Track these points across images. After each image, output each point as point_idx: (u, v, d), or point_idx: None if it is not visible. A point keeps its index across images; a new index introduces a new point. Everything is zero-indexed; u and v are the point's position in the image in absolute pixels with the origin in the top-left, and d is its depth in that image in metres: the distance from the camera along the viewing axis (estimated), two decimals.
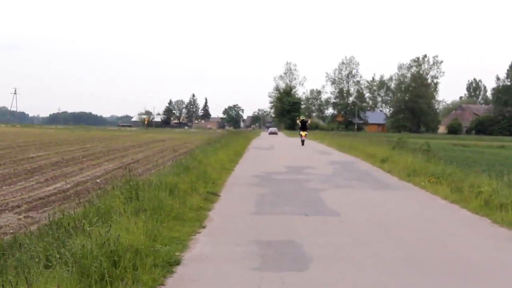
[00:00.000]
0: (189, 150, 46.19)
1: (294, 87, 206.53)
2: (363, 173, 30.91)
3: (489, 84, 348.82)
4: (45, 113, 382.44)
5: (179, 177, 20.75)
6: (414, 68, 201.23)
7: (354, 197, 21.64)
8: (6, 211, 18.88)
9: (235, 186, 24.15)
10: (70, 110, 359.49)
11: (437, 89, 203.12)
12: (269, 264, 11.33)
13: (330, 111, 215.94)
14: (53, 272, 8.64)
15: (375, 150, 42.74)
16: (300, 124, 67.49)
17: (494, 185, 19.73)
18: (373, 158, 39.35)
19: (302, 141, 64.14)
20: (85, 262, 9.25)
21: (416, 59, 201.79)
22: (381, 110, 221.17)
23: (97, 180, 26.84)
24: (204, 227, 14.98)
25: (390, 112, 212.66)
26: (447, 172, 24.90)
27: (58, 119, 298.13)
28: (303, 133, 65.00)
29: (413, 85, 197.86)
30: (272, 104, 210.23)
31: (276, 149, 58.79)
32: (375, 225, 15.81)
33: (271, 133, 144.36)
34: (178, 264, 11.15)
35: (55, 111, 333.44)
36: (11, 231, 15.37)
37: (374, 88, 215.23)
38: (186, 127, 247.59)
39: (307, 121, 71.04)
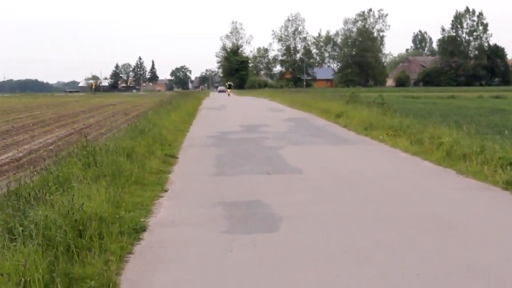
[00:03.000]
0: (140, 113, 45.75)
1: (241, 46, 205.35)
2: (319, 129, 30.82)
3: (435, 36, 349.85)
4: None
5: (135, 140, 20.37)
6: (360, 22, 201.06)
7: (313, 153, 21.49)
8: None
9: (192, 147, 23.85)
10: (16, 78, 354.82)
11: (383, 42, 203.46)
12: (238, 226, 11.08)
13: (278, 68, 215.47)
14: (17, 245, 8.24)
15: (329, 105, 42.73)
16: (228, 86, 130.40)
17: (454, 135, 19.67)
18: (327, 113, 39.27)
19: (228, 94, 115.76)
20: (50, 233, 8.87)
21: (361, 13, 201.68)
22: (328, 66, 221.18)
23: (50, 147, 26.23)
24: (166, 191, 14.66)
25: (338, 67, 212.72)
26: (405, 125, 24.85)
27: (4, 87, 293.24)
28: (229, 91, 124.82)
29: (360, 39, 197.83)
30: (219, 64, 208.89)
31: (228, 108, 58.54)
32: (339, 181, 15.65)
33: (220, 91, 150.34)
34: (144, 230, 10.84)
35: (0, 80, 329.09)
36: None
37: (321, 44, 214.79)
38: (134, 91, 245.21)
39: (231, 84, 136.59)
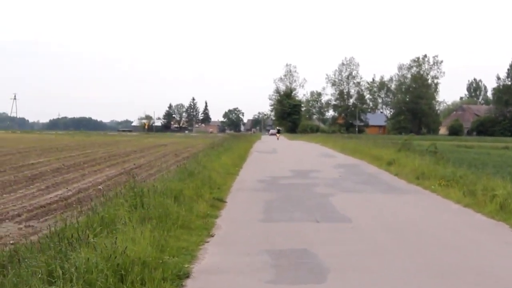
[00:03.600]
0: (191, 155, 45.77)
1: (295, 89, 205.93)
2: (370, 176, 30.40)
3: (490, 84, 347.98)
4: (45, 119, 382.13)
5: (184, 183, 20.22)
6: (414, 68, 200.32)
7: (364, 201, 21.09)
8: (7, 220, 18.32)
9: (241, 191, 23.60)
10: (70, 115, 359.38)
11: (437, 89, 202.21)
12: (284, 276, 10.75)
13: (330, 113, 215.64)
14: None
15: (380, 153, 42.27)
16: (277, 130, 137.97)
17: (509, 188, 19.15)
18: (378, 160, 38.84)
19: (277, 138, 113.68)
20: (90, 277, 8.69)
21: (416, 60, 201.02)
22: (381, 112, 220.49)
23: (99, 187, 26.26)
24: (212, 236, 14.41)
25: (391, 113, 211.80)
26: (458, 175, 24.33)
27: (58, 124, 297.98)
28: (278, 135, 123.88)
29: (414, 86, 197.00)
30: (272, 107, 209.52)
31: (279, 152, 58.27)
32: (389, 231, 15.23)
33: (271, 134, 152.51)
34: (188, 277, 10.57)
35: (55, 117, 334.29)
36: (11, 242, 14.80)
37: (375, 89, 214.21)
38: (186, 131, 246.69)
39: (280, 129, 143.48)
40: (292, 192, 23.62)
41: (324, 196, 22.23)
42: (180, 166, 26.02)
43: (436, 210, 19.31)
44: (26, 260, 9.48)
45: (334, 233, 14.96)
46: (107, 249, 9.61)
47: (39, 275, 8.56)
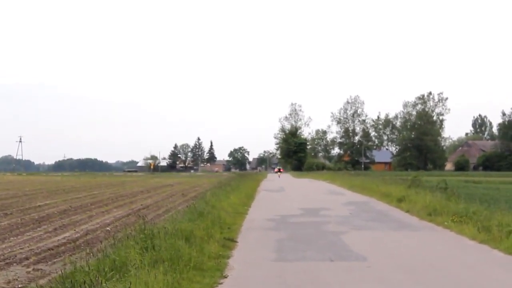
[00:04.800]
0: (198, 194, 45.53)
1: (300, 127, 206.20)
2: (381, 214, 30.08)
3: (495, 120, 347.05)
4: (50, 161, 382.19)
5: (194, 223, 19.93)
6: (420, 105, 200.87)
7: (377, 239, 20.77)
8: (14, 263, 17.98)
9: (251, 231, 23.28)
10: (76, 156, 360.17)
11: (443, 126, 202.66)
12: None
13: (336, 150, 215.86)
14: None
15: (390, 189, 41.97)
16: (278, 169, 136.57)
17: None
18: (388, 197, 38.54)
19: (279, 176, 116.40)
20: None
21: (421, 97, 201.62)
22: (387, 149, 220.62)
23: (107, 228, 25.98)
24: (226, 277, 14.08)
25: (397, 150, 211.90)
26: (471, 211, 24.04)
27: (64, 166, 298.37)
28: (279, 174, 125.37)
29: (419, 122, 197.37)
30: (278, 145, 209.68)
31: (287, 191, 57.93)
32: (406, 271, 14.87)
33: (275, 172, 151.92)
34: None
35: (61, 158, 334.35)
36: (19, 286, 14.49)
37: (380, 126, 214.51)
38: (192, 171, 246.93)
39: (280, 169, 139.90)
40: (302, 230, 23.32)
41: (336, 234, 21.93)
42: (189, 206, 25.69)
43: (452, 247, 18.97)
44: None
45: (349, 273, 14.62)
46: None
47: None
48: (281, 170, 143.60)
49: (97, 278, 10.56)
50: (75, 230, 25.63)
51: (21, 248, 20.91)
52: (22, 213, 33.35)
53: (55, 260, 18.32)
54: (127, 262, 12.69)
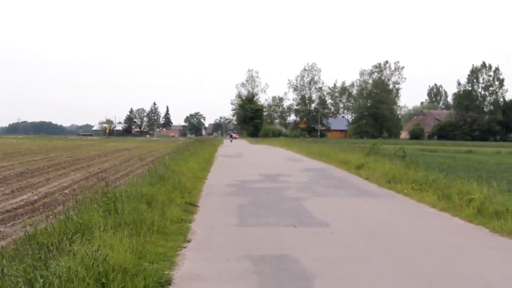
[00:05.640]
0: (155, 159, 45.31)
1: (257, 94, 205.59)
2: (341, 180, 30.18)
3: (450, 90, 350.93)
4: (4, 123, 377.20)
5: (155, 187, 19.80)
6: (376, 74, 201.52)
7: (338, 205, 20.84)
8: None
9: (212, 196, 23.22)
10: (30, 119, 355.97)
11: (398, 95, 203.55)
12: (269, 283, 10.40)
13: (292, 118, 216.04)
14: None
15: (348, 157, 42.16)
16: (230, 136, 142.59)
17: (485, 192, 19.03)
18: (347, 164, 38.71)
19: (231, 141, 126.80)
20: (71, 286, 8.25)
21: (377, 65, 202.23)
22: (343, 117, 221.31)
23: (66, 191, 25.73)
24: (189, 241, 14.03)
25: (352, 118, 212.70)
26: (431, 179, 24.22)
27: (18, 128, 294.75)
28: (231, 139, 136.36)
29: (375, 91, 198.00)
30: (234, 112, 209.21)
31: (244, 156, 57.89)
32: (369, 237, 14.92)
33: (232, 138, 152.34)
34: (170, 284, 10.19)
35: (15, 121, 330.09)
36: None
37: (336, 94, 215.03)
38: (147, 136, 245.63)
39: (234, 134, 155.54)
40: (263, 196, 23.32)
41: (297, 200, 21.96)
42: (149, 170, 25.50)
43: (412, 214, 19.11)
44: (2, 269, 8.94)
45: (312, 238, 14.65)
46: (87, 257, 9.18)
47: (18, 285, 8.07)
48: (235, 136, 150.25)
49: (62, 240, 10.41)
50: (33, 192, 25.34)
51: None
52: None
53: (14, 222, 18.13)
54: (90, 225, 12.52)
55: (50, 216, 15.27)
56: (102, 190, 16.63)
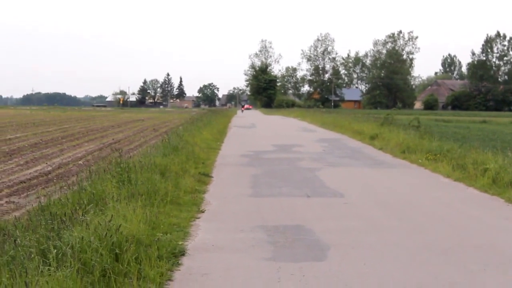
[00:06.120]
0: (169, 130, 45.26)
1: (270, 64, 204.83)
2: (355, 151, 30.10)
3: (464, 60, 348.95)
4: (18, 94, 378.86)
5: (169, 158, 19.79)
6: (390, 44, 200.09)
7: (352, 176, 20.78)
8: None
9: (225, 166, 23.18)
10: (44, 91, 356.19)
11: (412, 65, 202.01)
12: (283, 253, 10.35)
13: (306, 88, 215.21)
14: (50, 270, 7.54)
15: (362, 127, 42.05)
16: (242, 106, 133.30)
17: (500, 161, 18.89)
18: (361, 135, 38.60)
19: (242, 111, 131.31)
20: (85, 256, 8.22)
21: (391, 35, 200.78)
22: (357, 87, 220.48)
23: (79, 162, 25.73)
24: (203, 212, 14.00)
25: (366, 88, 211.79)
26: (445, 149, 24.08)
27: (32, 100, 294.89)
28: (242, 109, 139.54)
29: (389, 61, 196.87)
30: (248, 82, 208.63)
31: (258, 127, 57.92)
32: (383, 207, 14.87)
33: (246, 109, 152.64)
34: (183, 254, 10.15)
35: (29, 92, 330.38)
36: None
37: (350, 64, 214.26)
38: (161, 106, 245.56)
39: (246, 105, 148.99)
40: (277, 166, 23.27)
41: (311, 170, 21.90)
42: (163, 140, 25.46)
43: (426, 184, 19.01)
44: (16, 240, 8.92)
45: (326, 209, 14.62)
46: (101, 227, 9.14)
47: (32, 255, 8.04)
48: (247, 106, 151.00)
49: (75, 210, 10.38)
50: (46, 163, 25.31)
51: None
52: None
53: (28, 193, 18.09)
54: (103, 196, 12.49)
55: (64, 187, 15.27)
56: (116, 161, 16.59)
